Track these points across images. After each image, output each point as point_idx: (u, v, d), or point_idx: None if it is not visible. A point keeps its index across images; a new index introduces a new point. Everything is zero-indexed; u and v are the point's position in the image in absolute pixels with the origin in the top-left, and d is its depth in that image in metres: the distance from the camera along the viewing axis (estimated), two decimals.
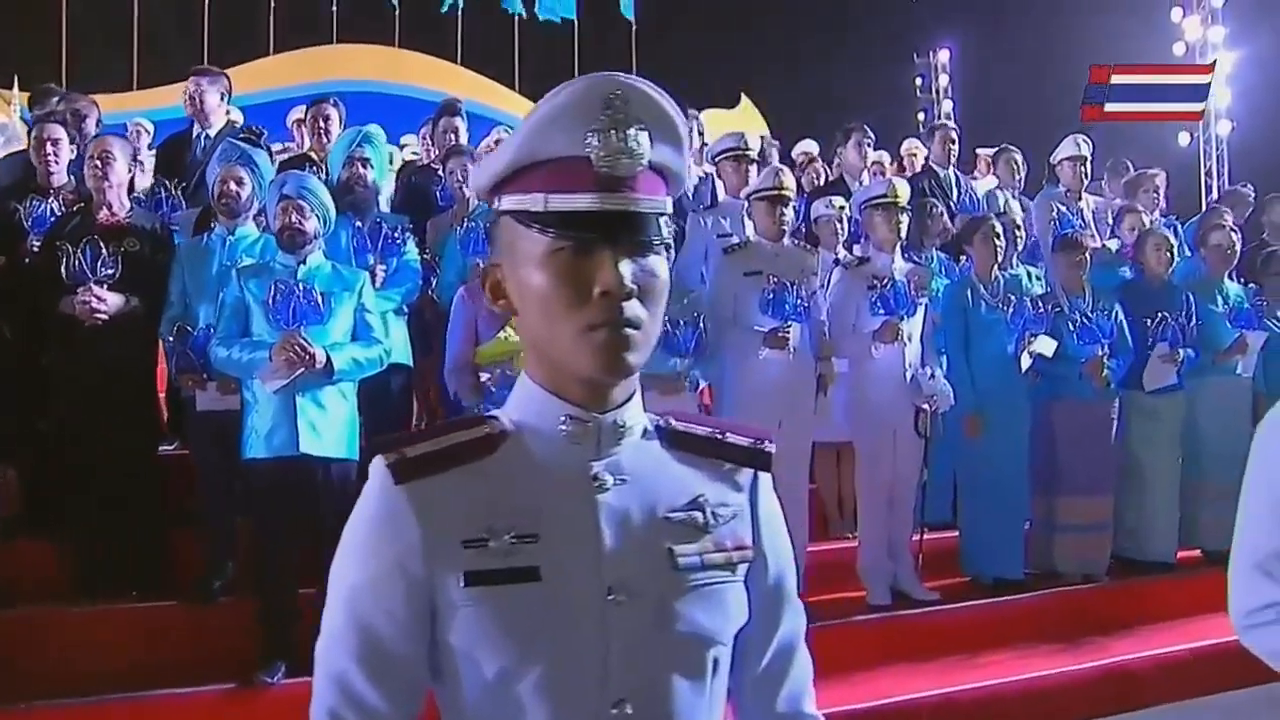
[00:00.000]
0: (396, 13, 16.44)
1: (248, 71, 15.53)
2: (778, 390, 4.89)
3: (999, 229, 5.40)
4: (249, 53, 16.00)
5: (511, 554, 1.20)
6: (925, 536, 5.36)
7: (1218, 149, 14.09)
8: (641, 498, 1.26)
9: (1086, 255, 5.55)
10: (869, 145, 6.55)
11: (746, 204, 5.23)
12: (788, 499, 4.35)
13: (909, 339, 5.08)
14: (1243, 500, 1.90)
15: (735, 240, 5.20)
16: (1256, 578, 1.83)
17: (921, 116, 16.61)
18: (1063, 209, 6.57)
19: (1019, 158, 7.11)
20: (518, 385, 1.29)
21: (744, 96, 17.04)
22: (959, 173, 7.04)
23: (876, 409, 5.09)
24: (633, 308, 1.15)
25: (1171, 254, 5.76)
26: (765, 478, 1.38)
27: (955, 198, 6.71)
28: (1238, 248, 6.02)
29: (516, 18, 16.67)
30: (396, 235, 4.91)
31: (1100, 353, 5.37)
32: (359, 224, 4.91)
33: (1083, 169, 6.65)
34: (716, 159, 5.81)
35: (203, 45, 15.80)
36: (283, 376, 4.10)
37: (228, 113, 5.88)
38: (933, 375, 5.07)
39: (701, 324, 4.72)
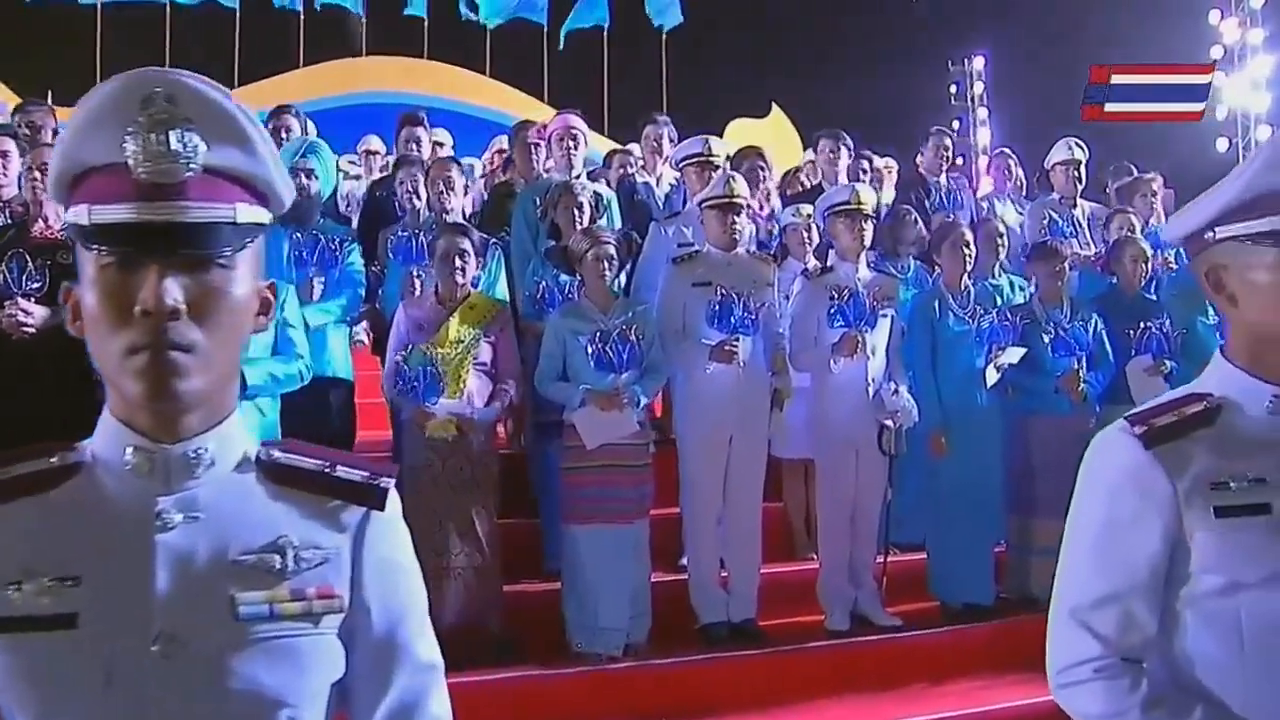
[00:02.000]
0: (425, 25, 16.47)
1: (277, 85, 15.71)
2: (728, 405, 4.70)
3: (969, 237, 5.15)
4: (278, 66, 16.14)
5: (47, 598, 1.08)
6: (891, 559, 5.12)
7: None
8: (213, 538, 1.14)
9: (1065, 264, 5.28)
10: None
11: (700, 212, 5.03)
12: (740, 518, 4.17)
13: (872, 352, 4.86)
14: (1065, 539, 1.68)
15: (686, 250, 5.01)
16: (1072, 630, 1.62)
17: (956, 125, 16.27)
18: (1055, 216, 6.29)
19: (1013, 162, 6.84)
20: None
21: (774, 106, 16.82)
22: (953, 180, 6.78)
23: (837, 425, 4.87)
24: (179, 329, 1.07)
25: (1148, 265, 5.45)
26: (380, 517, 1.24)
27: (942, 204, 6.45)
28: None
29: (545, 33, 16.65)
30: (335, 246, 4.80)
31: (1076, 366, 5.10)
32: (298, 235, 4.81)
33: (1076, 173, 6.36)
34: (681, 165, 5.62)
35: (233, 58, 15.97)
36: None
37: None
38: (896, 390, 4.84)
39: (636, 337, 4.54)
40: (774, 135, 15.88)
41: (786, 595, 5.09)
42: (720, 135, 15.60)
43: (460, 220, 5.15)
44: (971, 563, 5.07)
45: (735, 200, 4.79)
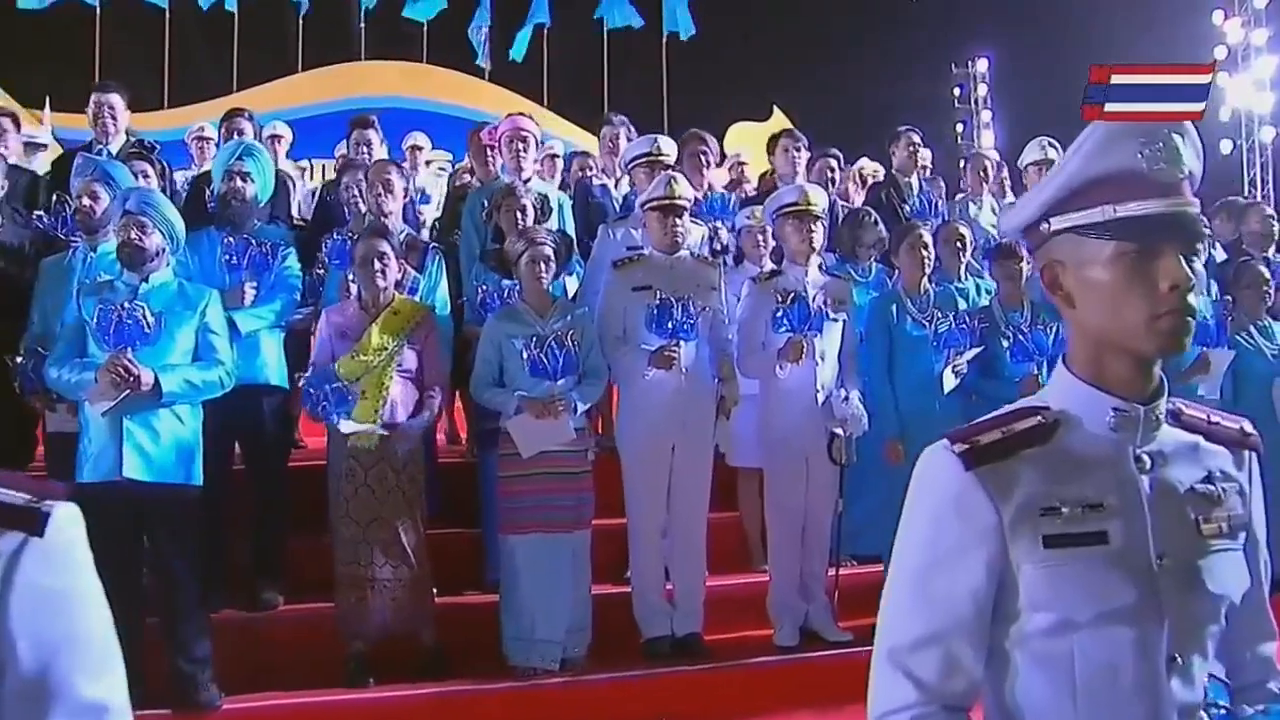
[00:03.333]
0: (424, 29, 16.41)
1: (276, 89, 15.69)
2: (669, 413, 4.55)
3: (926, 239, 4.98)
4: (278, 70, 16.12)
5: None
6: (850, 571, 4.96)
7: (1261, 156, 13.33)
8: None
9: (1024, 265, 5.09)
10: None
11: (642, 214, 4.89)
12: (684, 529, 4.01)
13: (821, 358, 4.69)
14: (889, 571, 1.52)
15: (628, 253, 4.86)
16: (890, 673, 1.45)
17: (960, 128, 16.05)
18: None
19: (989, 163, 6.66)
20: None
21: (775, 109, 16.65)
22: (924, 181, 6.60)
23: (786, 434, 4.70)
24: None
25: None
26: (38, 544, 1.20)
27: (917, 208, 6.26)
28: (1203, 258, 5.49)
29: (545, 32, 16.56)
30: (268, 251, 4.68)
31: (1035, 371, 4.92)
32: (230, 239, 4.70)
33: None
34: (630, 166, 5.48)
35: (232, 63, 15.96)
36: (109, 398, 3.90)
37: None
38: (846, 397, 4.67)
39: (573, 343, 4.41)
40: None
41: (736, 609, 4.94)
42: (721, 138, 15.48)
43: (402, 223, 5.03)
44: None
45: (676, 202, 4.64)
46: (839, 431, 4.65)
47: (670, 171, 4.85)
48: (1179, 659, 1.39)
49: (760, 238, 5.32)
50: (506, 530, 4.46)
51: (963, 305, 5.39)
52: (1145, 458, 1.42)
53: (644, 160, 5.31)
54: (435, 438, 5.02)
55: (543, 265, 4.49)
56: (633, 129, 6.13)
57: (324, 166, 12.80)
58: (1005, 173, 7.09)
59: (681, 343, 4.48)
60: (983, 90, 16.21)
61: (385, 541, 4.28)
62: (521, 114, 5.52)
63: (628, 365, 4.60)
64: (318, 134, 12.51)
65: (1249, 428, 1.54)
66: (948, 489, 1.42)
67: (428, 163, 9.84)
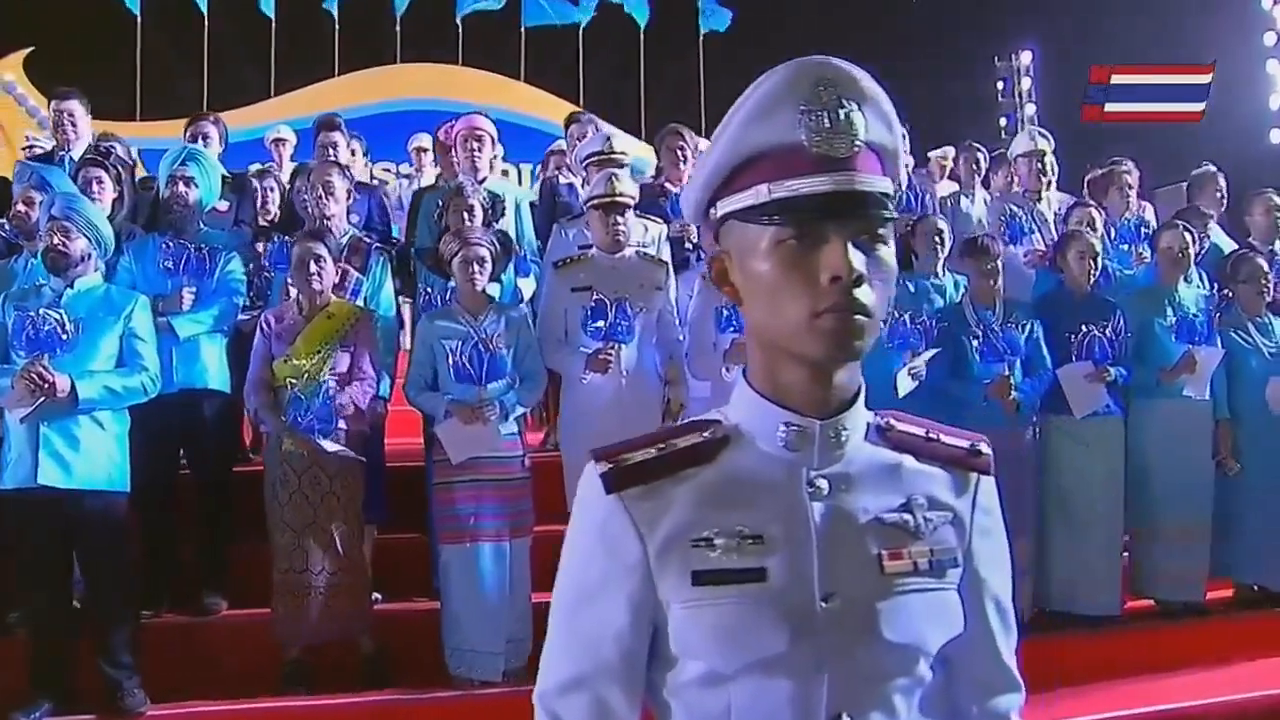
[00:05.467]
0: (460, 31, 16.42)
1: (314, 93, 15.81)
2: (610, 417, 4.38)
3: None
4: (316, 74, 16.23)
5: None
6: None
7: None
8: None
9: (997, 262, 4.86)
10: None
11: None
12: None
13: None
14: None
15: (569, 253, 4.73)
16: (539, 717, 1.29)
17: (1004, 123, 15.60)
18: (1017, 210, 5.86)
19: (981, 156, 6.41)
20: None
21: None
22: (912, 174, 6.37)
23: None
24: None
25: (1096, 261, 4.99)
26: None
27: (900, 200, 6.04)
28: (1191, 250, 5.20)
29: (581, 33, 16.48)
30: (205, 255, 4.64)
31: (1006, 372, 4.69)
32: (168, 244, 4.67)
33: (1040, 165, 5.90)
34: (584, 164, 5.34)
35: (270, 66, 16.10)
36: (25, 405, 3.88)
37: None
38: None
39: (507, 345, 4.29)
40: None
41: None
42: None
43: (347, 224, 4.97)
44: None
45: (618, 200, 4.50)
46: None
47: (614, 169, 4.71)
48: (846, 718, 1.18)
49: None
50: (444, 539, 4.36)
51: (940, 302, 5.19)
52: (822, 482, 1.21)
53: (597, 158, 5.16)
54: (383, 440, 4.93)
55: (476, 266, 4.37)
56: (600, 125, 5.99)
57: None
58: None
59: (619, 345, 4.34)
60: (1026, 84, 15.75)
61: (321, 546, 4.21)
62: (479, 113, 5.42)
63: (568, 368, 4.47)
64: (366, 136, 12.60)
65: (983, 447, 1.30)
66: (593, 515, 1.23)
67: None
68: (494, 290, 4.65)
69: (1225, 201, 6.15)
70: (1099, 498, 4.93)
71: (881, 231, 1.17)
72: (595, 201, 4.54)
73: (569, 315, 4.48)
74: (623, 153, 5.07)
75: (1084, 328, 4.84)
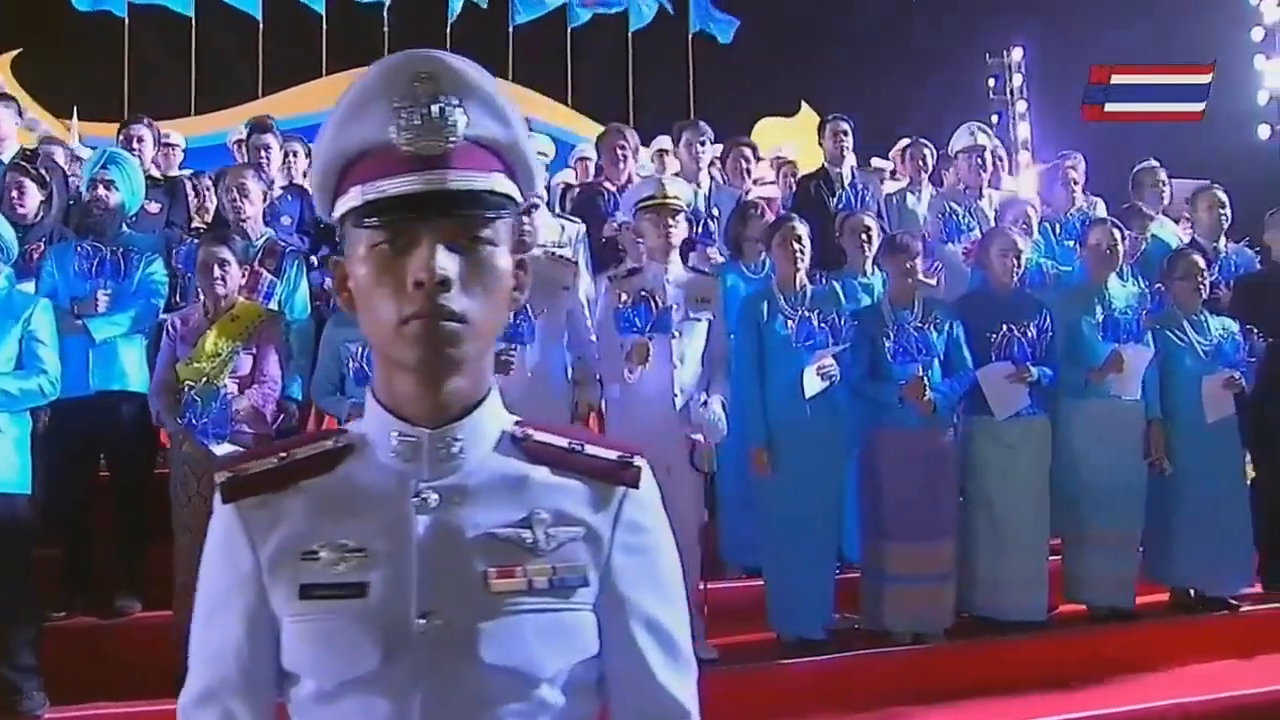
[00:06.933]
0: (447, 30, 16.41)
1: (301, 93, 15.83)
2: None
3: (800, 232, 4.69)
4: (302, 75, 16.25)
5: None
6: (717, 585, 4.73)
7: None
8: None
9: (916, 260, 4.80)
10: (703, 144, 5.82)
11: None
12: None
13: (680, 360, 4.47)
14: None
15: None
16: None
17: (996, 119, 15.46)
18: (956, 207, 5.79)
19: (928, 152, 6.34)
20: None
21: (804, 104, 16.29)
22: (856, 171, 6.31)
23: (641, 440, 4.40)
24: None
25: (1019, 259, 4.92)
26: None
27: (842, 198, 5.99)
28: (1121, 247, 5.12)
29: (570, 33, 16.45)
30: (119, 257, 4.63)
31: (920, 372, 4.62)
32: (83, 246, 4.66)
33: (980, 161, 5.84)
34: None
35: (258, 67, 16.13)
36: None
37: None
38: (705, 402, 4.44)
39: (350, 356, 4.27)
40: (803, 134, 15.36)
41: None
42: (749, 133, 15.17)
43: (263, 227, 4.95)
44: (806, 592, 4.64)
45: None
46: (699, 438, 4.43)
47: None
48: None
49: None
50: None
51: (867, 301, 5.15)
52: (432, 495, 1.17)
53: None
54: None
55: None
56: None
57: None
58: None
59: (518, 346, 4.30)
60: (1018, 80, 15.61)
61: None
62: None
63: None
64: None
65: (637, 460, 1.24)
66: (216, 525, 1.22)
67: None
68: None
69: (1167, 198, 6.06)
70: (1024, 501, 4.87)
71: (486, 233, 1.13)
72: None
73: None
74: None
75: (1004, 327, 4.77)
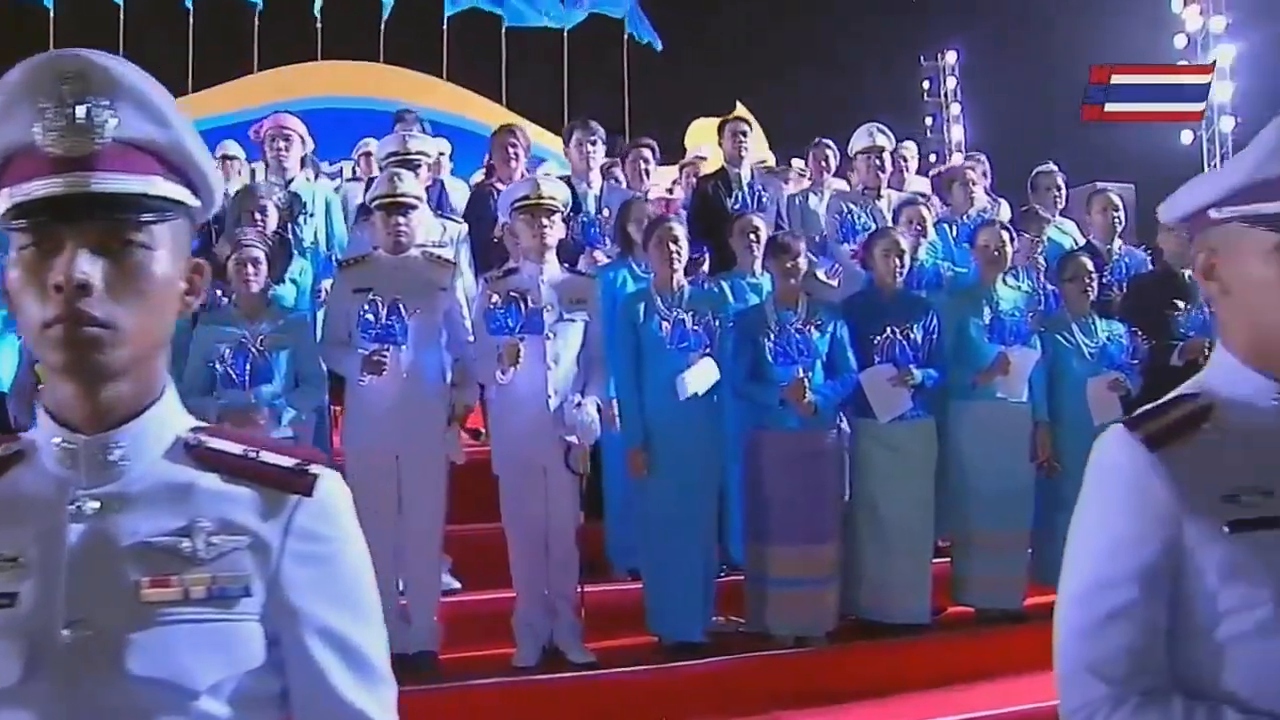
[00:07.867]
0: (381, 28, 16.28)
1: (233, 89, 15.63)
2: (391, 421, 4.31)
3: (676, 233, 4.67)
4: (234, 70, 16.06)
5: None
6: (594, 589, 4.69)
7: (1221, 147, 12.77)
8: None
9: (798, 261, 4.78)
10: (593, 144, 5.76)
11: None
12: (415, 541, 3.71)
13: (555, 361, 4.44)
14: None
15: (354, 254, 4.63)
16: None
17: (930, 121, 15.60)
18: (853, 208, 5.79)
19: (830, 152, 6.33)
20: None
21: (739, 104, 16.31)
22: (756, 171, 6.29)
23: (519, 442, 4.45)
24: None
25: (902, 259, 4.92)
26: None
27: (739, 198, 5.96)
28: (1009, 249, 5.14)
29: (504, 32, 16.38)
30: None
31: (800, 373, 4.60)
32: None
33: (878, 162, 5.84)
34: (383, 164, 5.24)
35: (188, 62, 15.92)
36: None
37: None
38: (579, 404, 4.40)
39: (273, 351, 4.19)
40: None
41: (485, 625, 4.69)
42: (684, 133, 15.13)
43: None
44: (683, 595, 4.61)
45: (400, 200, 4.40)
46: (573, 439, 4.39)
47: (395, 169, 4.60)
48: None
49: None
50: None
51: (755, 300, 5.12)
52: (91, 502, 1.14)
53: (395, 160, 5.05)
54: None
55: (250, 267, 4.28)
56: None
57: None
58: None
59: (390, 347, 4.24)
60: (952, 83, 15.73)
61: None
62: (288, 113, 5.32)
63: (348, 370, 4.37)
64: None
65: (315, 468, 1.21)
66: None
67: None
68: (290, 292, 4.55)
69: (1063, 201, 6.10)
70: (908, 503, 4.86)
71: (139, 236, 1.11)
72: (377, 202, 4.44)
73: (350, 316, 4.38)
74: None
75: (888, 329, 4.76)
